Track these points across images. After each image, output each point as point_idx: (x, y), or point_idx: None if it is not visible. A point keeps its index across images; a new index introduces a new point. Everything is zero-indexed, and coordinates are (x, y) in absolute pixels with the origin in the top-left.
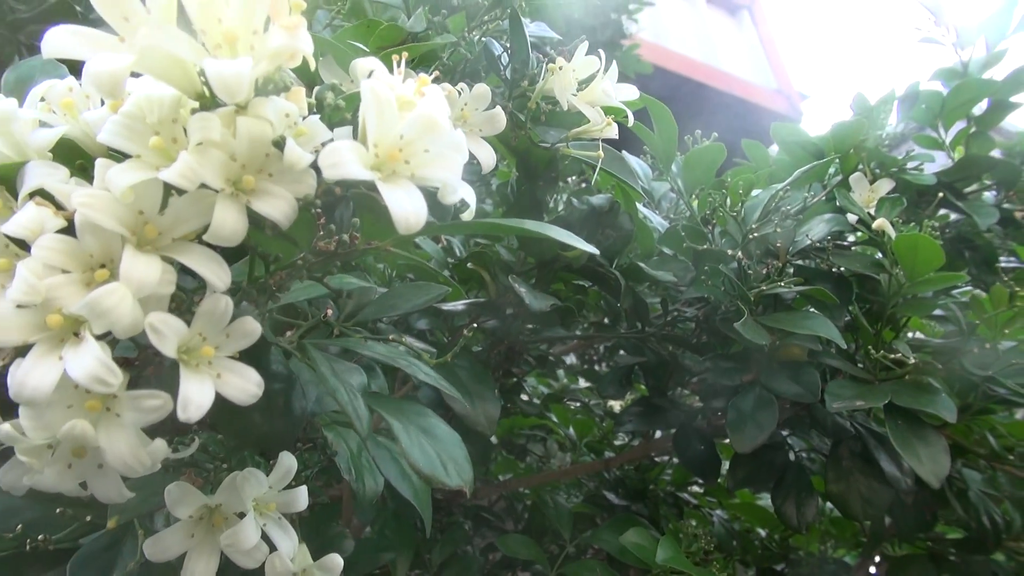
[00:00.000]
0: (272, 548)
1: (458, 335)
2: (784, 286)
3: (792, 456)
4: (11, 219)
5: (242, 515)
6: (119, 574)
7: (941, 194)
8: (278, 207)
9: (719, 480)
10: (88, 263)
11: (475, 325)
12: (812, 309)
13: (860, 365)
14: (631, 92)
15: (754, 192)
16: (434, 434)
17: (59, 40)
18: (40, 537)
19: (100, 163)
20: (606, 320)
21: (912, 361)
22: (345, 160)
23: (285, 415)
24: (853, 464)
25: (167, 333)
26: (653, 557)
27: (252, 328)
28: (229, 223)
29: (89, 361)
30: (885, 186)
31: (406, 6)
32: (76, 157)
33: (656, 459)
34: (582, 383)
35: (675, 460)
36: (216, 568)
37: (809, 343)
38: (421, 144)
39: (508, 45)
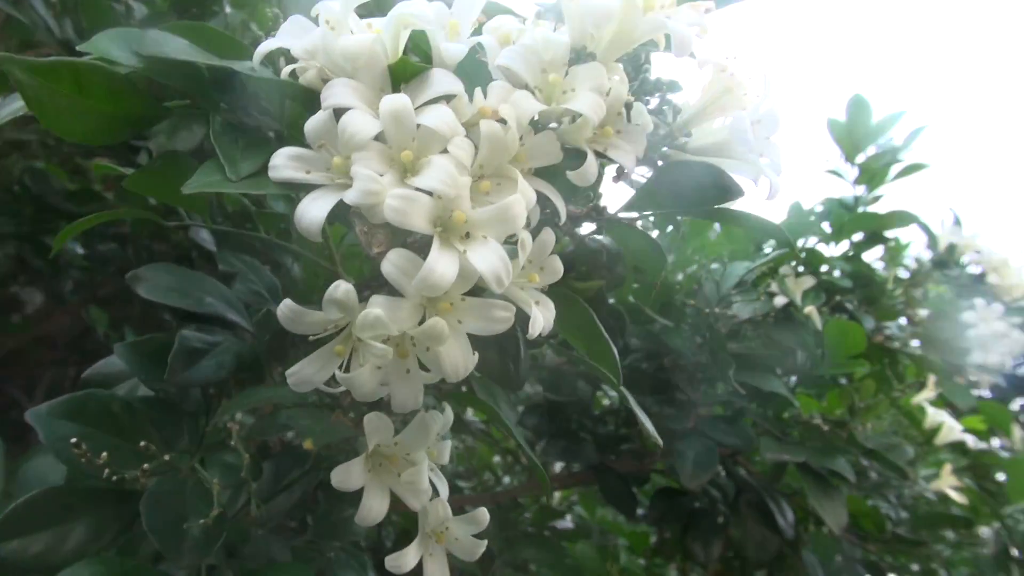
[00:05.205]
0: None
1: None
2: (750, 346)
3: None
4: (431, 112)
5: (410, 460)
6: (193, 521)
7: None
8: (626, 158)
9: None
10: (476, 173)
11: None
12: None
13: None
14: None
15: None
16: None
17: None
18: (128, 475)
19: (499, 87)
20: None
21: (825, 428)
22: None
23: (515, 359)
24: (750, 512)
25: (526, 251)
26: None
27: (559, 267)
28: (592, 168)
29: (496, 260)
30: (808, 282)
31: None
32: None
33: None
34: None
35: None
36: (388, 506)
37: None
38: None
39: None
